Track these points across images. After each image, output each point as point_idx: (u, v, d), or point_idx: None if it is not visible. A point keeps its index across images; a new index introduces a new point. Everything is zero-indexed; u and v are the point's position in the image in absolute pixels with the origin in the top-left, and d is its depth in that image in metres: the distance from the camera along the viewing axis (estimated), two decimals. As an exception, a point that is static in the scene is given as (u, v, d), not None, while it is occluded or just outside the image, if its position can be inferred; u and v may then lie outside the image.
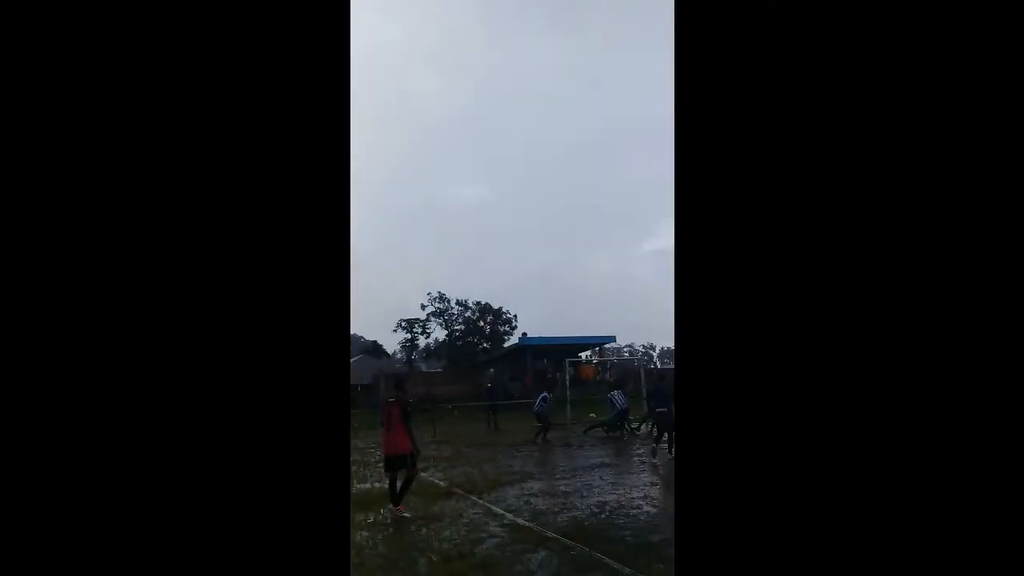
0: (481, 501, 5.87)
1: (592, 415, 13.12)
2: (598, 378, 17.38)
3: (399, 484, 5.49)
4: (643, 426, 11.67)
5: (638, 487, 6.38)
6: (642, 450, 9.49)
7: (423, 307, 35.61)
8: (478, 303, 36.47)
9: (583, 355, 23.21)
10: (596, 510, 5.32)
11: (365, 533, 4.77)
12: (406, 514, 5.29)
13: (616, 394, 11.71)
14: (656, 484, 6.61)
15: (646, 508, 5.33)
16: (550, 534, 4.50)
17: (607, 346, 24.62)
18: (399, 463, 5.45)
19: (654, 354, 53.84)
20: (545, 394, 12.25)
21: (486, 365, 27.60)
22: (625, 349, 35.66)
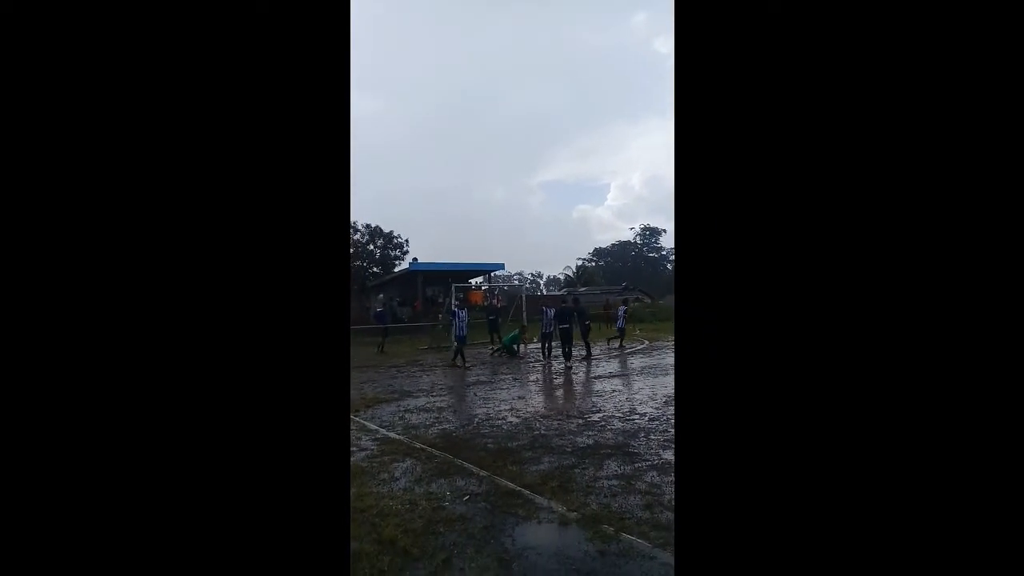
0: (356, 418, 6.07)
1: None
2: (487, 303, 17.96)
3: None
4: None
5: (507, 401, 6.96)
6: (523, 366, 10.24)
7: (308, 227, 33.62)
8: (368, 226, 35.23)
9: (473, 281, 23.69)
10: (465, 423, 5.76)
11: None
12: None
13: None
14: (523, 398, 7.25)
15: (510, 419, 5.87)
16: (418, 445, 4.83)
17: (496, 273, 25.25)
18: None
19: (541, 282, 56.35)
20: (456, 311, 11.71)
21: (375, 290, 27.19)
22: (515, 277, 36.85)
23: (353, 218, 34.80)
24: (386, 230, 35.54)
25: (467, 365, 10.70)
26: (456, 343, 11.26)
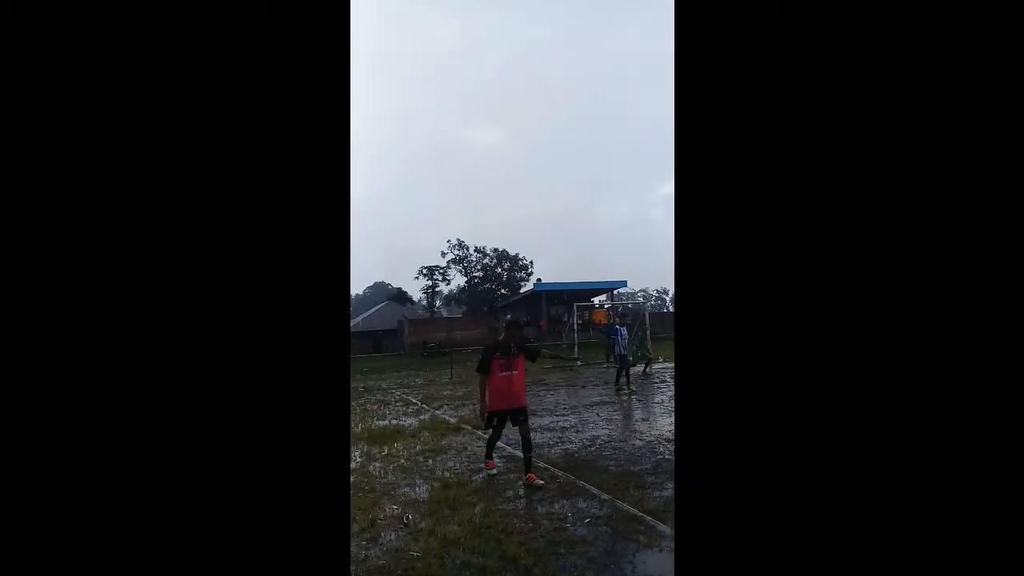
0: (485, 435, 6.37)
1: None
2: (611, 322, 17.76)
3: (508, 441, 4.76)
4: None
5: (630, 423, 6.84)
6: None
7: (443, 254, 36.36)
8: (496, 250, 36.93)
9: (596, 300, 23.58)
10: (588, 443, 5.79)
11: (378, 464, 5.33)
12: (540, 481, 4.37)
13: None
14: (647, 420, 7.06)
15: (633, 441, 5.77)
16: (542, 464, 4.96)
17: (619, 291, 24.86)
18: (522, 416, 4.57)
19: (667, 298, 53.94)
20: (618, 328, 10.66)
21: (503, 310, 28.23)
22: (639, 293, 35.89)
23: (482, 243, 36.91)
24: (512, 253, 36.92)
25: (631, 389, 9.73)
26: (617, 363, 10.23)
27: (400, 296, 44.69)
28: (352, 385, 14.28)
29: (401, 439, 6.45)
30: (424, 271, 38.96)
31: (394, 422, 7.91)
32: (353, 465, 5.39)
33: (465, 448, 5.84)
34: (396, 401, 10.54)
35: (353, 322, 41.09)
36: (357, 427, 7.62)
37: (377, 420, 8.18)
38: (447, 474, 4.81)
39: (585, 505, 3.84)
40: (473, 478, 4.65)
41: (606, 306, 21.83)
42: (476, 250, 37.16)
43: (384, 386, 13.49)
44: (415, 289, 43.85)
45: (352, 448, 6.22)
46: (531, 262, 36.99)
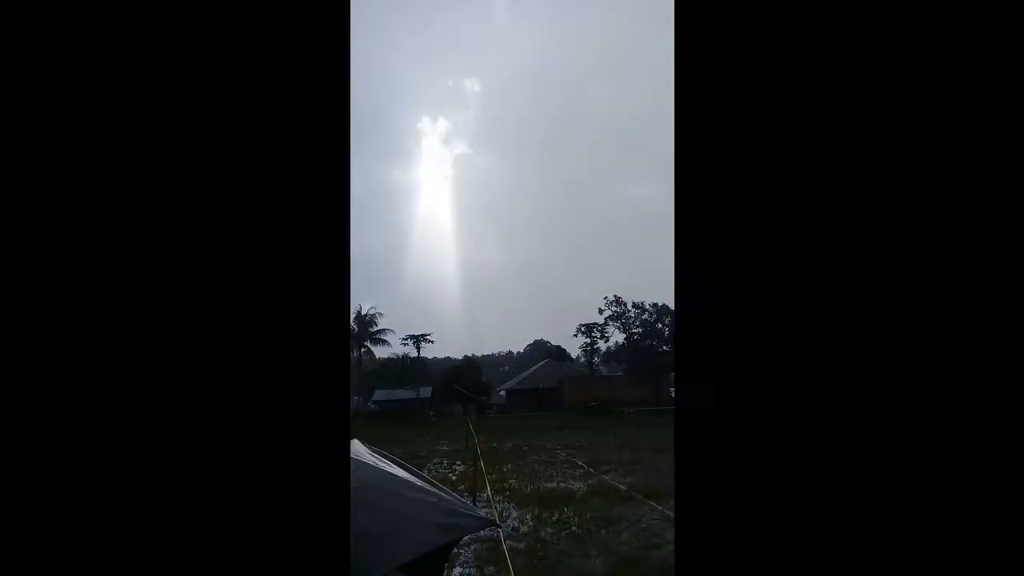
0: (659, 507, 5.97)
1: None
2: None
3: None
4: None
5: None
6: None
7: (600, 311, 36.30)
8: (655, 305, 35.74)
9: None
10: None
11: (550, 529, 5.27)
12: None
13: None
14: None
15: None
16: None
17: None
18: None
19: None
20: None
21: (665, 368, 26.86)
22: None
23: (640, 299, 36.16)
24: (673, 307, 35.51)
25: None
26: None
27: (559, 354, 45.24)
28: (517, 443, 14.59)
29: (571, 504, 6.33)
30: (582, 328, 39.08)
31: (562, 484, 7.84)
32: (525, 528, 5.42)
33: (639, 520, 5.51)
34: (562, 462, 10.48)
35: (515, 380, 42.48)
36: (527, 488, 7.69)
37: (545, 482, 8.17)
38: (623, 548, 4.56)
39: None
40: (651, 554, 4.34)
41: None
42: (634, 305, 36.38)
43: (548, 446, 13.52)
44: (574, 347, 44.09)
45: (523, 510, 6.28)
46: (695, 316, 35.07)
